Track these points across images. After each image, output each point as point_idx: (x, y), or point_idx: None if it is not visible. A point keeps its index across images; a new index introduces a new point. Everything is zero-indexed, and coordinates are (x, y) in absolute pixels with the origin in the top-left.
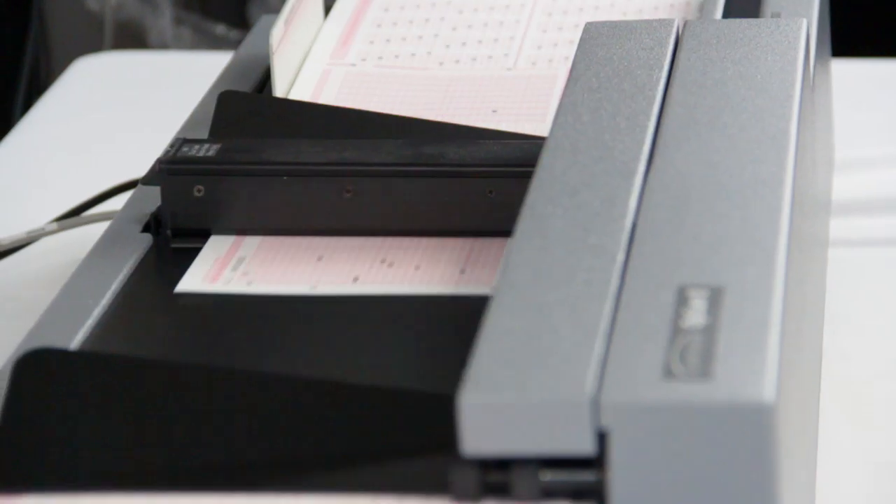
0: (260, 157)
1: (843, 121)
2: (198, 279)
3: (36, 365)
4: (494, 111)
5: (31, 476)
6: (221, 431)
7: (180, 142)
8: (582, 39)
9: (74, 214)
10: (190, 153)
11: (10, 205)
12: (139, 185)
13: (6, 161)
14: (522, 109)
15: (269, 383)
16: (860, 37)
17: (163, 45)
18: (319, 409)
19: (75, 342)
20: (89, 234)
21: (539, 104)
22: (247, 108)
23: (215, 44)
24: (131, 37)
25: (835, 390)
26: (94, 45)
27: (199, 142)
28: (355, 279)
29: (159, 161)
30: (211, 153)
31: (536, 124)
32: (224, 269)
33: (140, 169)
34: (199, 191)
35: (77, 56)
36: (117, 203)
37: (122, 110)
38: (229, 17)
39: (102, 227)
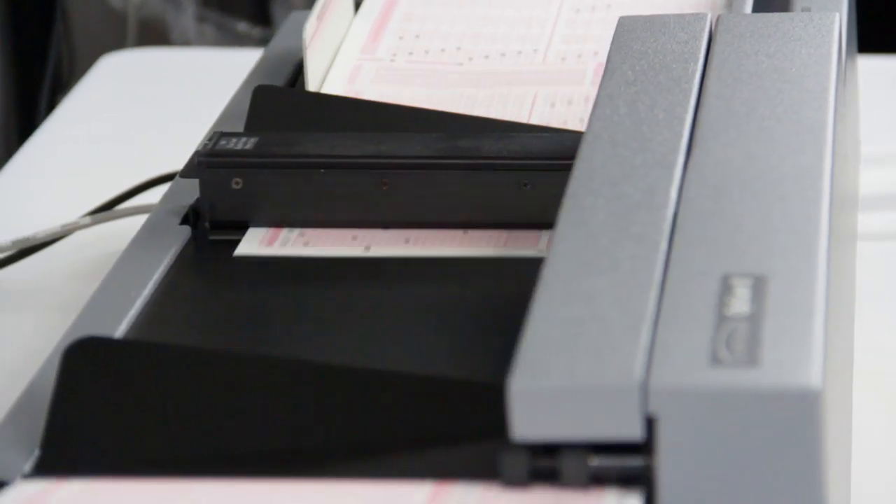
0: (297, 150)
1: (864, 117)
2: (255, 243)
3: (85, 353)
4: (524, 105)
5: (81, 460)
6: (267, 418)
7: (218, 135)
8: (616, 33)
9: (107, 208)
10: (228, 146)
11: (41, 199)
12: (176, 178)
13: (38, 156)
14: (553, 103)
15: (316, 371)
16: (883, 33)
17: (185, 43)
18: (366, 397)
19: (119, 332)
20: (122, 228)
21: (569, 99)
22: (281, 103)
23: (237, 41)
24: (154, 34)
25: (865, 381)
26: (116, 42)
27: (237, 135)
28: (407, 240)
29: (197, 154)
30: (248, 146)
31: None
32: (281, 233)
33: (169, 164)
34: (237, 183)
35: (99, 54)
36: (148, 197)
37: (149, 106)
38: (251, 15)
39: (135, 220)
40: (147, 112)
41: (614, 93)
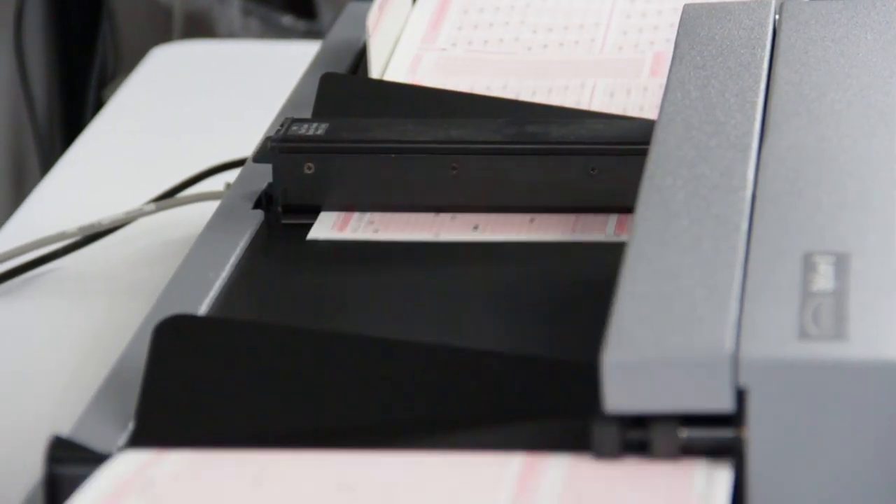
0: (368, 135)
1: None
2: (326, 228)
3: (174, 330)
4: (584, 95)
5: (174, 433)
6: (357, 393)
7: (289, 121)
8: (682, 21)
9: (169, 196)
10: (300, 132)
11: (102, 187)
12: (248, 163)
13: (97, 146)
14: (612, 91)
15: (405, 348)
16: None
17: (231, 36)
18: (443, 373)
19: (200, 311)
20: (183, 215)
21: (627, 88)
22: (348, 90)
23: (282, 34)
24: (200, 28)
25: None
26: (162, 36)
27: (307, 121)
28: (475, 227)
29: (270, 139)
30: (320, 132)
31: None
32: (351, 219)
33: (224, 152)
34: (309, 168)
35: (145, 47)
36: (209, 185)
37: (201, 97)
38: (296, 8)
39: (196, 207)
40: (199, 103)
41: (685, 78)
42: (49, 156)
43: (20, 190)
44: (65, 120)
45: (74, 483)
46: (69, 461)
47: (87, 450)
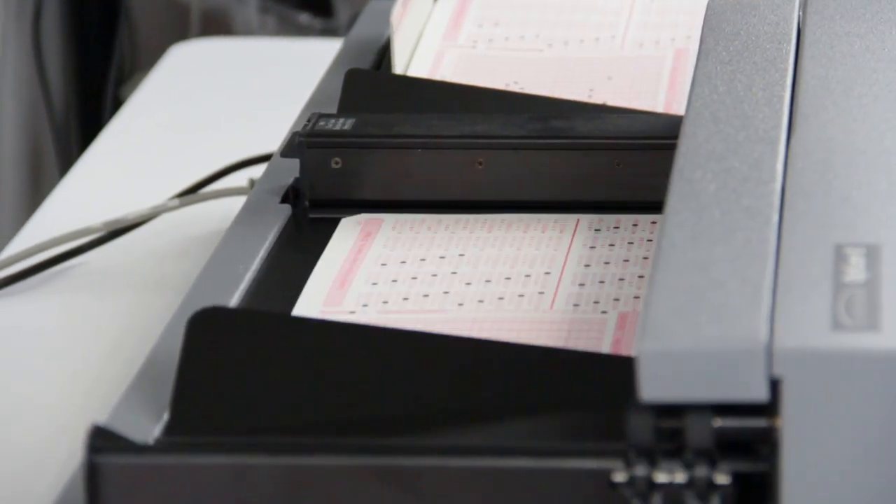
0: (394, 130)
1: None
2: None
3: (207, 322)
4: (606, 91)
5: (209, 422)
6: (389, 385)
7: (316, 116)
8: (707, 16)
9: (193, 191)
10: (327, 127)
11: (125, 183)
12: (274, 158)
13: (119, 143)
14: (633, 90)
15: (439, 342)
16: None
17: (248, 34)
18: (476, 365)
19: (232, 303)
20: (207, 210)
21: (650, 84)
22: (372, 85)
23: (299, 32)
24: (217, 26)
25: None
26: (179, 34)
27: (334, 116)
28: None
29: (297, 135)
30: (347, 127)
31: (650, 103)
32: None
33: (245, 149)
34: (336, 163)
35: (162, 45)
36: (231, 181)
37: (220, 94)
38: (313, 6)
39: (219, 202)
40: (218, 100)
41: (711, 72)
42: (66, 153)
43: (38, 187)
44: (82, 118)
45: (113, 471)
46: (109, 450)
47: (126, 439)
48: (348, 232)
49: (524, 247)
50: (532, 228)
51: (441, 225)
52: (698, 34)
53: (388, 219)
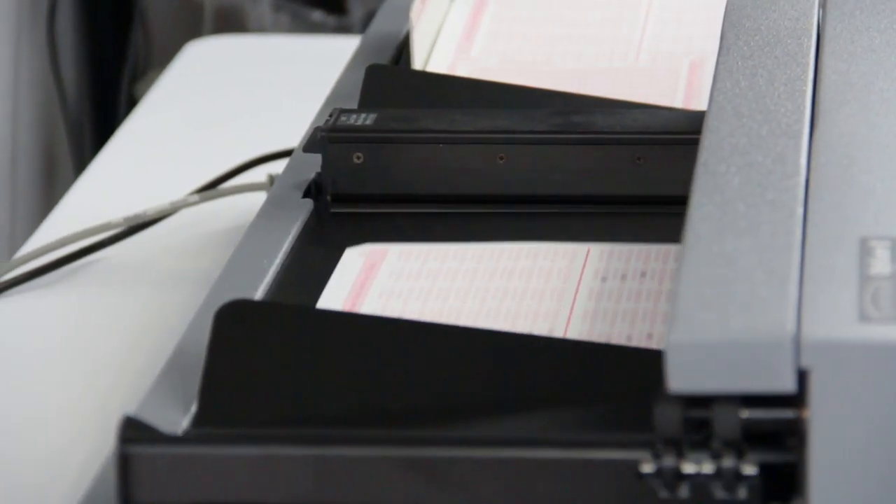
0: (416, 125)
1: None
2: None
3: (234, 314)
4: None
5: (237, 413)
6: (415, 378)
7: (338, 112)
8: (727, 11)
9: (212, 187)
10: (348, 122)
11: (143, 179)
12: (296, 153)
13: (137, 139)
14: (650, 102)
15: (467, 336)
16: None
17: (262, 31)
18: (502, 358)
19: (256, 296)
20: (226, 206)
21: (666, 96)
22: (393, 81)
23: (312, 30)
24: (230, 24)
25: None
26: (193, 32)
27: (356, 111)
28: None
29: (320, 130)
30: (369, 122)
31: None
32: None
33: (264, 144)
34: (358, 158)
35: (175, 43)
36: (250, 176)
37: (238, 91)
38: (326, 4)
39: (238, 198)
40: (234, 97)
41: (733, 67)
42: (81, 151)
43: (52, 184)
44: (96, 115)
45: (145, 462)
46: (140, 441)
47: (157, 430)
48: (352, 263)
49: (533, 279)
50: (541, 258)
51: (447, 256)
52: (713, 47)
53: (392, 249)
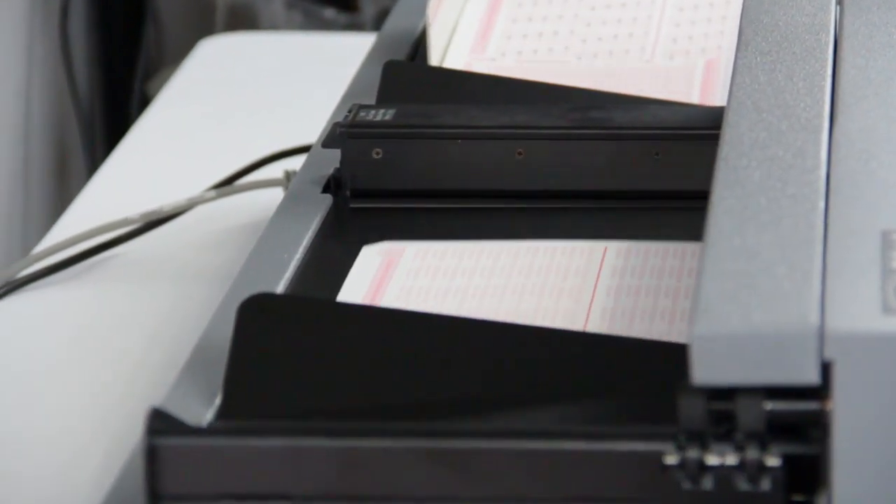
0: (435, 121)
1: None
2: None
3: (257, 308)
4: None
5: (260, 406)
6: (435, 372)
7: (357, 107)
8: (745, 7)
9: (229, 183)
10: (367, 118)
11: (160, 175)
12: (315, 149)
13: (153, 135)
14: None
15: (490, 329)
16: None
17: (274, 29)
18: (524, 351)
19: (278, 290)
20: (243, 201)
21: (681, 95)
22: (411, 77)
23: (325, 27)
24: (242, 21)
25: None
26: (205, 30)
27: (375, 107)
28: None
29: (339, 125)
30: (387, 118)
31: None
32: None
33: (278, 141)
34: (377, 153)
35: (187, 40)
36: (266, 172)
37: (251, 88)
38: (338, 1)
39: (255, 194)
40: (248, 94)
41: (751, 63)
42: (93, 149)
43: (65, 182)
44: (109, 113)
45: (172, 453)
46: (168, 432)
47: (184, 422)
48: (370, 261)
49: (551, 277)
50: (559, 255)
51: (464, 254)
52: (729, 46)
53: (410, 248)
